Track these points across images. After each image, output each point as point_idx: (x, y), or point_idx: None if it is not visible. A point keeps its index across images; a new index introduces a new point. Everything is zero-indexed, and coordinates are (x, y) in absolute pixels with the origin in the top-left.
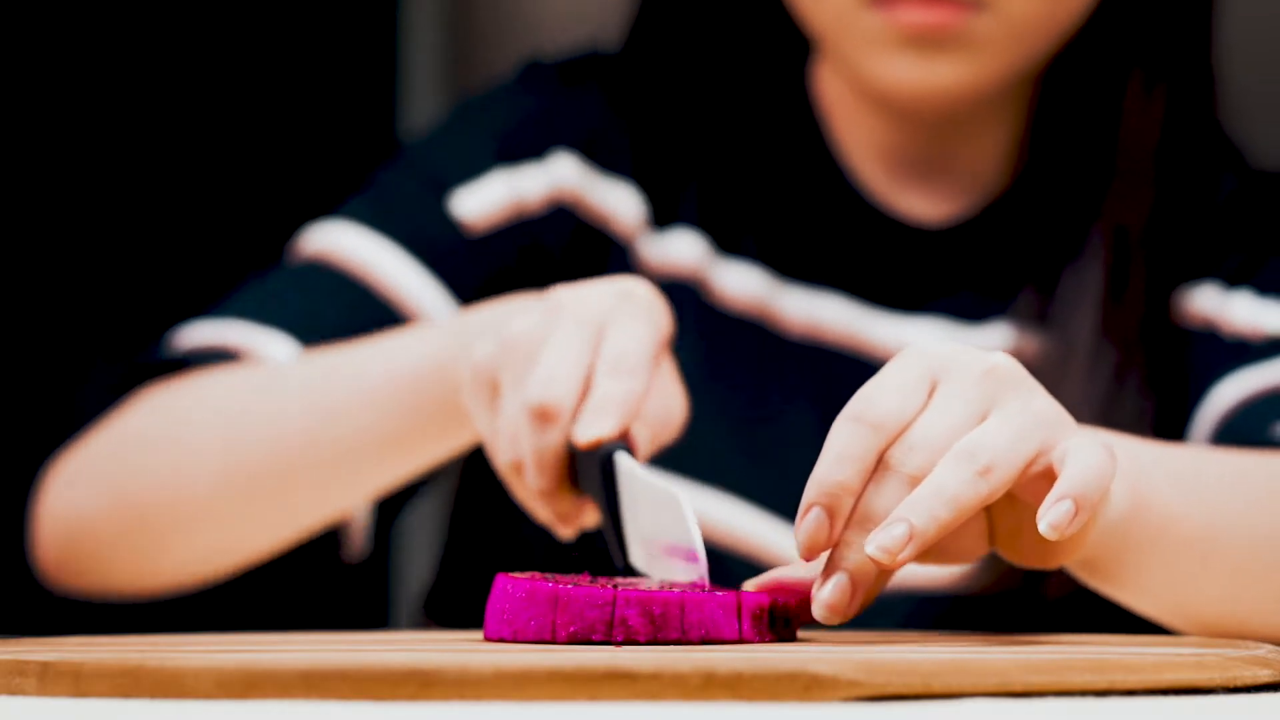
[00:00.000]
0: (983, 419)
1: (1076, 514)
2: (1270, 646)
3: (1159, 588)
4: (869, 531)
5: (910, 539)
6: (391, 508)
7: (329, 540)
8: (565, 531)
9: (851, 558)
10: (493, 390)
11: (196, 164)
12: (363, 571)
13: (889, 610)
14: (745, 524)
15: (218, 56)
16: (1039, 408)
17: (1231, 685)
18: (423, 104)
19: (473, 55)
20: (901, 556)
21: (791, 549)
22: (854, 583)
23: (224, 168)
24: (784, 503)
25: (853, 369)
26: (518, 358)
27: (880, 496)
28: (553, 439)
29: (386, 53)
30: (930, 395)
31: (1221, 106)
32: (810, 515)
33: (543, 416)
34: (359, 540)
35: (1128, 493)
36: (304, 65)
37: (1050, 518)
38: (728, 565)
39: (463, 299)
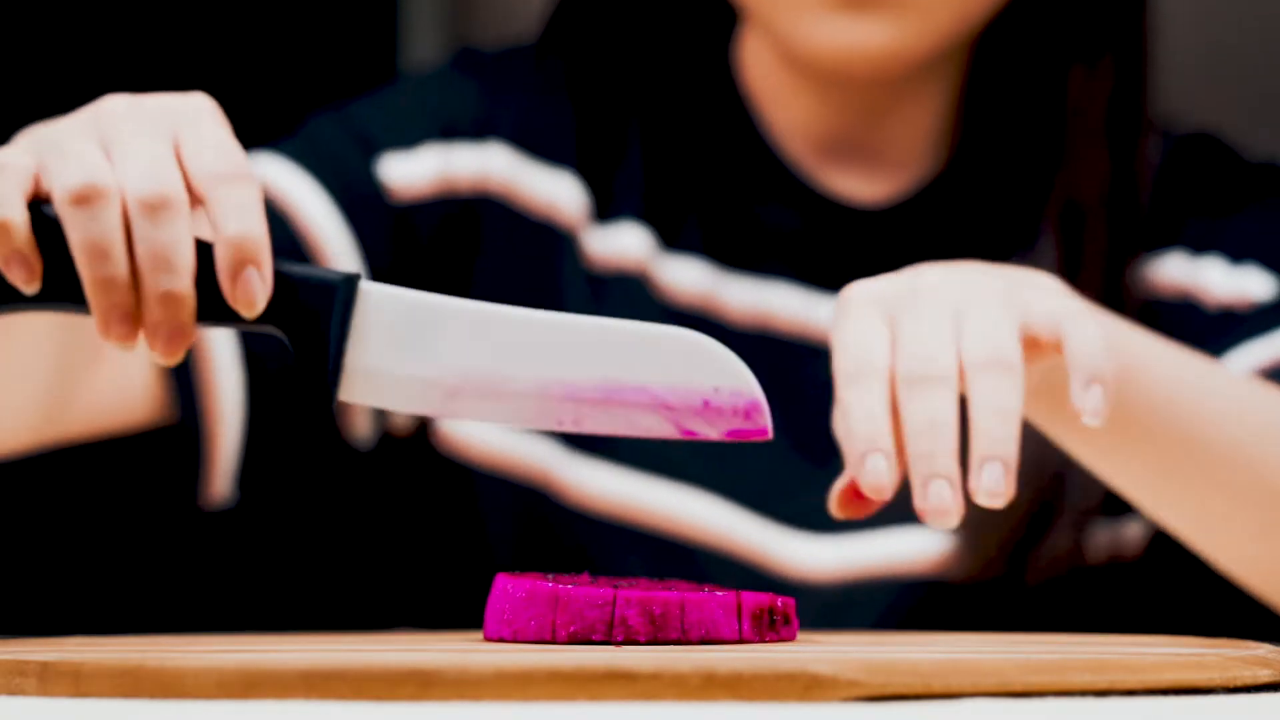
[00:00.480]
0: (957, 320)
1: (1105, 392)
2: (1270, 646)
3: (1141, 458)
4: (939, 440)
5: (1007, 471)
6: (263, 455)
7: (189, 480)
8: (167, 357)
9: (938, 465)
10: (28, 188)
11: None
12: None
13: (871, 598)
14: (705, 514)
15: (217, 38)
16: (994, 287)
17: (1231, 685)
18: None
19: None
20: (1010, 491)
21: (760, 539)
22: (951, 485)
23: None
24: (741, 490)
25: (801, 355)
26: (77, 148)
27: (924, 404)
28: (178, 231)
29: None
30: (894, 327)
31: (1155, 74)
32: (870, 462)
33: (159, 206)
34: (222, 485)
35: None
36: (303, 18)
37: (1089, 407)
38: (692, 556)
39: (373, 261)
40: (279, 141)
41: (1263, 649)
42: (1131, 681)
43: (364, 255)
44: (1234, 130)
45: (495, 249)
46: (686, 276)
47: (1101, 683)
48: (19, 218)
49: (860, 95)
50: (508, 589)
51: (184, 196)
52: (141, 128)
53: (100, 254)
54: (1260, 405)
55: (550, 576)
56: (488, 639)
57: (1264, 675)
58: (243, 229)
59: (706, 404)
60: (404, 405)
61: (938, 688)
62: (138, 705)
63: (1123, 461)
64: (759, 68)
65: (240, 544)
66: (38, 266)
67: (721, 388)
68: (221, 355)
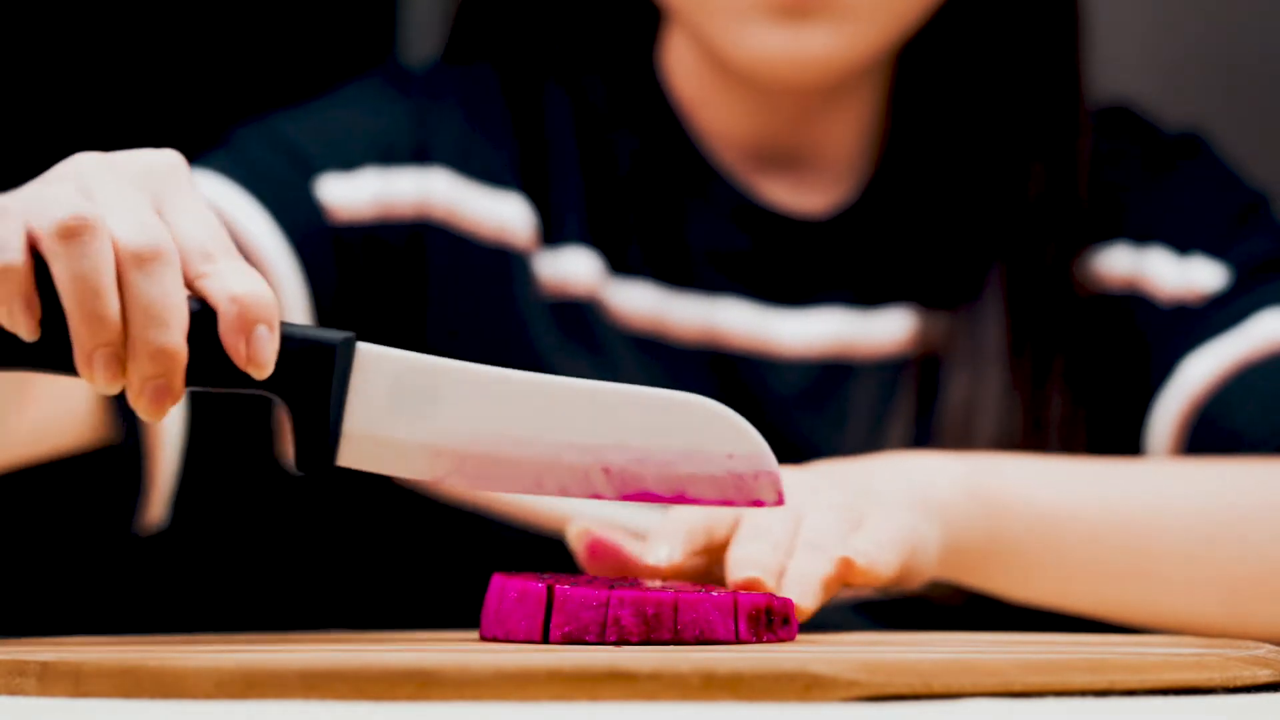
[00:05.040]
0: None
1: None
2: (1270, 646)
3: (1046, 577)
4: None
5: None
6: (200, 475)
7: (125, 506)
8: (152, 415)
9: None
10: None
11: (191, 90)
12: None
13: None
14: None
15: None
16: (833, 500)
17: (1231, 685)
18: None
19: None
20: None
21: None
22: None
23: (222, 89)
24: None
25: (753, 368)
26: (50, 201)
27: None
28: (172, 284)
29: None
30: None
31: (1089, 69)
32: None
33: (151, 258)
34: (158, 509)
35: (978, 503)
36: None
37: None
38: None
39: (317, 287)
40: (210, 155)
41: (1263, 649)
42: (1131, 681)
43: (308, 281)
44: (1226, 128)
45: (444, 276)
46: (636, 299)
47: (1101, 683)
48: (22, 260)
49: (792, 103)
50: (502, 589)
51: (175, 251)
52: (122, 186)
53: (89, 290)
54: (1176, 496)
55: (545, 576)
56: (484, 639)
57: (1264, 675)
58: (255, 288)
59: (729, 472)
60: (409, 471)
61: (938, 688)
62: (138, 705)
63: (1064, 598)
64: (686, 74)
65: (239, 544)
66: (38, 312)
67: (736, 454)
68: None
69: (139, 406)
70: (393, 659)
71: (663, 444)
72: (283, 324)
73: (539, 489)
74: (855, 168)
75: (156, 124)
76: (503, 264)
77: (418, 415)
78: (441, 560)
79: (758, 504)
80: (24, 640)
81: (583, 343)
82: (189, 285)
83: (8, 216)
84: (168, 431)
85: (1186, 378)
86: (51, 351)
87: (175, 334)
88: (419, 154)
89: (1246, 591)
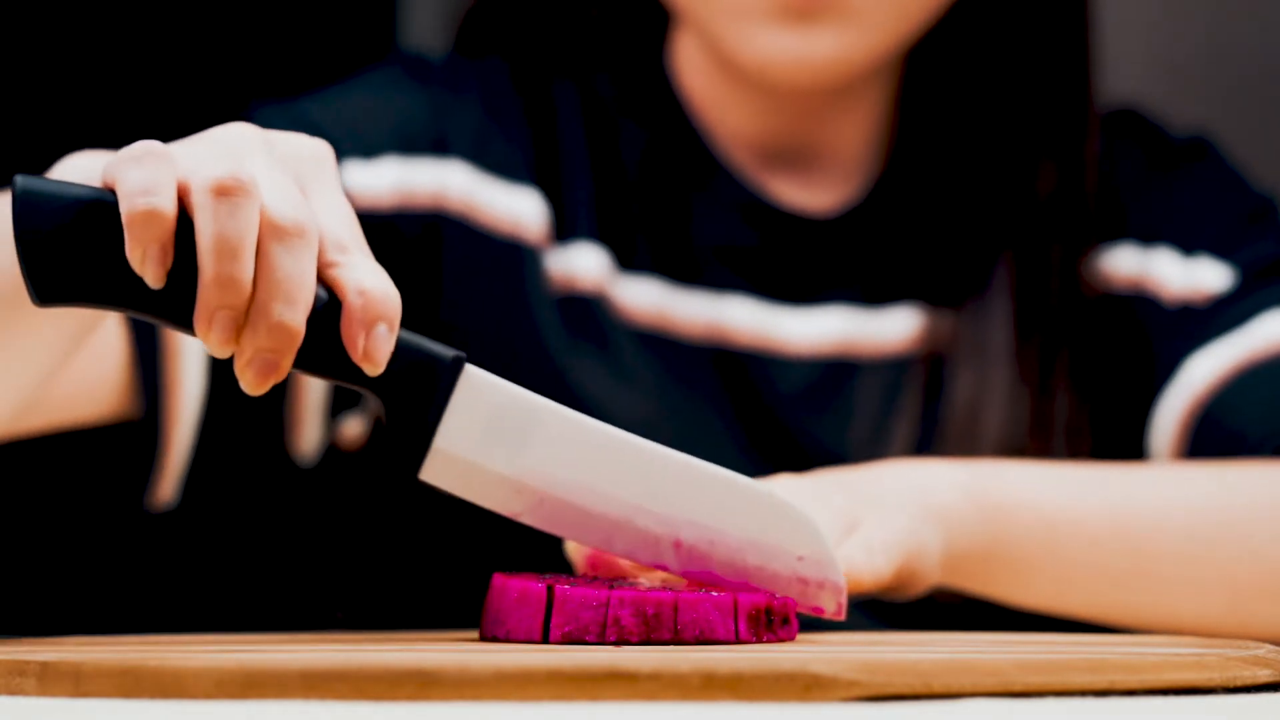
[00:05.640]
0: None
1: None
2: (1270, 646)
3: (1047, 581)
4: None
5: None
6: (212, 458)
7: (136, 483)
8: (255, 388)
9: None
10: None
11: (191, 86)
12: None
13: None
14: None
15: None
16: (833, 503)
17: (1231, 685)
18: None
19: None
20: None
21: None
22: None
23: (222, 86)
24: None
25: (758, 365)
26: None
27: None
28: (308, 265)
29: None
30: None
31: (1098, 70)
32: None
33: (297, 235)
34: (169, 487)
35: (979, 508)
36: None
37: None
38: None
39: None
40: None
41: (1263, 649)
42: (1131, 681)
43: None
44: (1232, 130)
45: (458, 268)
46: (642, 295)
47: (1101, 683)
48: (171, 207)
49: (800, 102)
50: (502, 589)
51: (317, 234)
52: (272, 162)
53: (229, 251)
54: (1176, 499)
55: (545, 576)
56: (484, 639)
57: (1264, 675)
58: (383, 286)
59: (795, 573)
60: (486, 500)
61: (938, 688)
62: (138, 705)
63: (1066, 602)
64: (696, 74)
65: (239, 544)
66: (171, 261)
67: (806, 557)
68: (189, 355)
69: (244, 377)
70: (393, 659)
71: (737, 530)
72: (400, 331)
73: (607, 545)
74: (863, 166)
75: (155, 119)
76: (515, 258)
77: (508, 448)
78: (441, 560)
79: (817, 611)
80: (24, 640)
81: (590, 338)
82: (318, 272)
83: (165, 162)
84: (185, 409)
85: (1190, 377)
86: (170, 302)
87: (299, 313)
88: (438, 145)
89: (1248, 592)
